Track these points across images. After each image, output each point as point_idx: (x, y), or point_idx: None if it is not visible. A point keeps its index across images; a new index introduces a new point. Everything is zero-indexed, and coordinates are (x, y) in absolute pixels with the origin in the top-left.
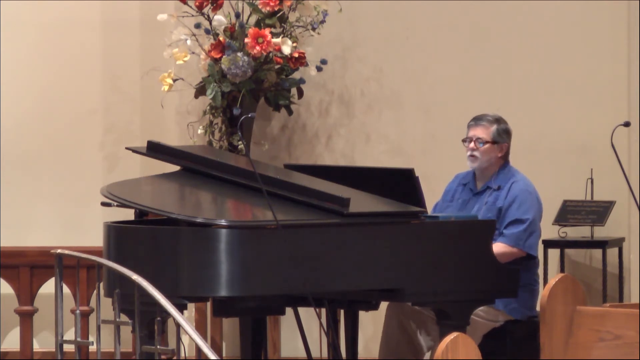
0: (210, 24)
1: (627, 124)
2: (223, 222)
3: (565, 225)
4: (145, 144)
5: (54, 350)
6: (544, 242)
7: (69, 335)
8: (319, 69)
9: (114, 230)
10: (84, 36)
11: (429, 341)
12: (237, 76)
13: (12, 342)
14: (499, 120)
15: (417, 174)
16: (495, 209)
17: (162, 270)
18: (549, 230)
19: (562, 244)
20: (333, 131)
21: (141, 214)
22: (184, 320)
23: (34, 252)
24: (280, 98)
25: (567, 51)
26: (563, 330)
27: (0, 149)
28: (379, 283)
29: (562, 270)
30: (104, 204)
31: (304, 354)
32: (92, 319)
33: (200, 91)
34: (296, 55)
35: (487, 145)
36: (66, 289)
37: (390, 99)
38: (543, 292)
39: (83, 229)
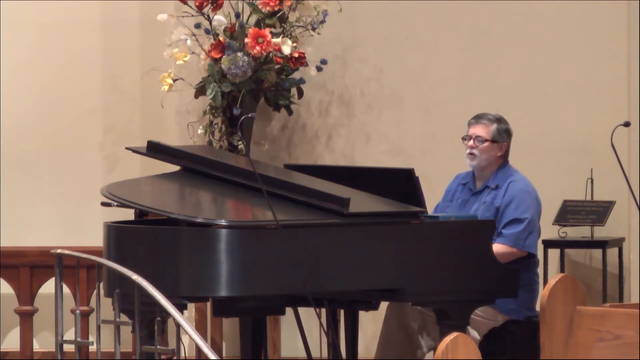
0: (210, 24)
1: (627, 124)
2: (223, 222)
3: (565, 225)
4: (145, 144)
5: (54, 350)
6: (544, 242)
7: (69, 335)
8: (319, 69)
9: (114, 230)
10: (84, 36)
11: (429, 341)
12: (237, 76)
13: (12, 342)
14: (499, 120)
15: (417, 174)
16: (493, 208)
17: (162, 270)
18: (548, 230)
19: (562, 244)
20: (333, 131)
21: (141, 214)
22: (184, 320)
23: (34, 252)
24: (280, 98)
25: (567, 51)
26: (563, 330)
27: (0, 149)
28: (379, 283)
29: (562, 270)
30: (104, 204)
31: (304, 354)
32: (92, 319)
33: (200, 91)
34: (296, 55)
35: (486, 144)
36: (66, 289)
37: (390, 99)
38: (543, 292)
39: (83, 229)
